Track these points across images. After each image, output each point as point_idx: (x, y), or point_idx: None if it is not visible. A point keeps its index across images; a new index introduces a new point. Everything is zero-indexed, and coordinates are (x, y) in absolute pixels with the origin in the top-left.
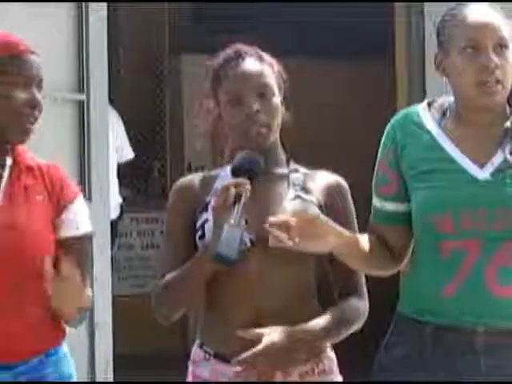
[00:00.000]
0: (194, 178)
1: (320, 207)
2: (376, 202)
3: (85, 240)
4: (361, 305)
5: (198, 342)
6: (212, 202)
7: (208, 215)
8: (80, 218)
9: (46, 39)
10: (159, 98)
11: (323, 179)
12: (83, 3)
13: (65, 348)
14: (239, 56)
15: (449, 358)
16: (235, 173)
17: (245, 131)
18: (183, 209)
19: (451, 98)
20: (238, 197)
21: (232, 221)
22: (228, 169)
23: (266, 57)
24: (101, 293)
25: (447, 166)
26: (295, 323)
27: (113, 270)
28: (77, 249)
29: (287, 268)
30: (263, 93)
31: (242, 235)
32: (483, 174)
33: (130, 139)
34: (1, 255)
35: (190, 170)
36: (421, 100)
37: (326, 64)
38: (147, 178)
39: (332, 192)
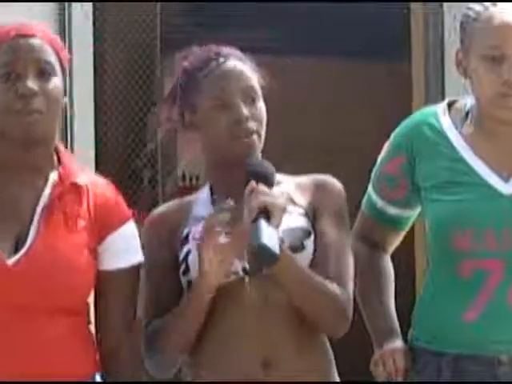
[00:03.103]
0: (169, 206)
1: (307, 216)
2: (376, 200)
3: (127, 274)
4: (339, 291)
5: (189, 379)
6: (193, 231)
7: (190, 246)
8: (124, 249)
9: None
10: (150, 100)
11: (310, 182)
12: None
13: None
14: (220, 56)
15: None
16: (251, 179)
17: (232, 140)
18: (161, 245)
19: (473, 101)
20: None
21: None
22: (204, 193)
23: (246, 58)
24: None
25: (468, 178)
26: (305, 355)
27: None
28: (116, 285)
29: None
30: (251, 97)
31: (278, 235)
32: (508, 189)
33: (119, 147)
34: (38, 290)
35: (184, 180)
36: (438, 101)
37: (335, 63)
38: (136, 188)
39: (319, 192)
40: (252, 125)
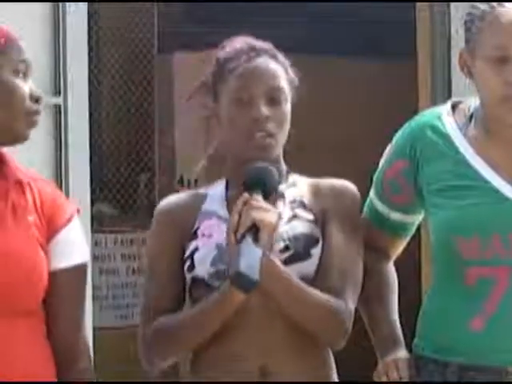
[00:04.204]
0: (181, 197)
1: (317, 223)
2: (378, 205)
3: (79, 272)
4: (336, 304)
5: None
6: (202, 227)
7: (198, 243)
8: (74, 246)
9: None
10: (147, 101)
11: (325, 187)
12: None
13: None
14: (252, 50)
15: None
16: (247, 187)
17: (247, 139)
18: (169, 237)
19: (478, 102)
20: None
21: (249, 241)
22: (219, 187)
23: (281, 56)
24: None
25: (473, 182)
26: (304, 362)
27: (93, 299)
28: (68, 284)
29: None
30: (275, 97)
31: (260, 256)
32: None
33: (114, 150)
34: None
35: (181, 184)
36: (445, 101)
37: (339, 63)
38: (132, 192)
39: (332, 198)
40: (271, 126)
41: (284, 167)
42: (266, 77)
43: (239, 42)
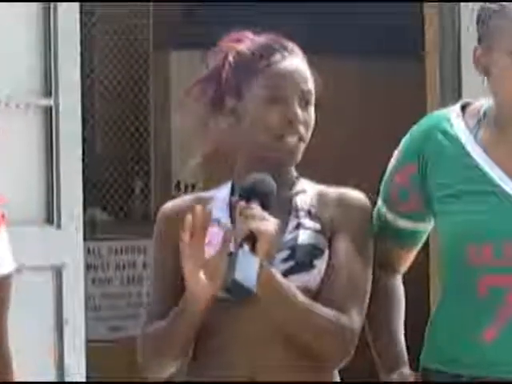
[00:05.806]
0: (184, 201)
1: (324, 233)
2: (386, 213)
3: (9, 281)
4: (338, 319)
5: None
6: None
7: None
8: (4, 252)
9: (5, 34)
10: (142, 103)
11: (334, 196)
12: None
13: None
14: (284, 49)
15: None
16: (244, 196)
17: (278, 139)
18: (170, 242)
19: (490, 102)
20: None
21: (246, 250)
22: (223, 191)
23: (305, 58)
24: (72, 337)
25: (485, 187)
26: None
27: (86, 310)
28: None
29: None
30: (306, 100)
31: (258, 265)
32: None
33: (108, 153)
34: None
35: (178, 190)
36: (454, 103)
37: (345, 62)
38: (127, 199)
39: (340, 208)
40: (301, 129)
41: (294, 173)
42: (300, 78)
43: (266, 39)
